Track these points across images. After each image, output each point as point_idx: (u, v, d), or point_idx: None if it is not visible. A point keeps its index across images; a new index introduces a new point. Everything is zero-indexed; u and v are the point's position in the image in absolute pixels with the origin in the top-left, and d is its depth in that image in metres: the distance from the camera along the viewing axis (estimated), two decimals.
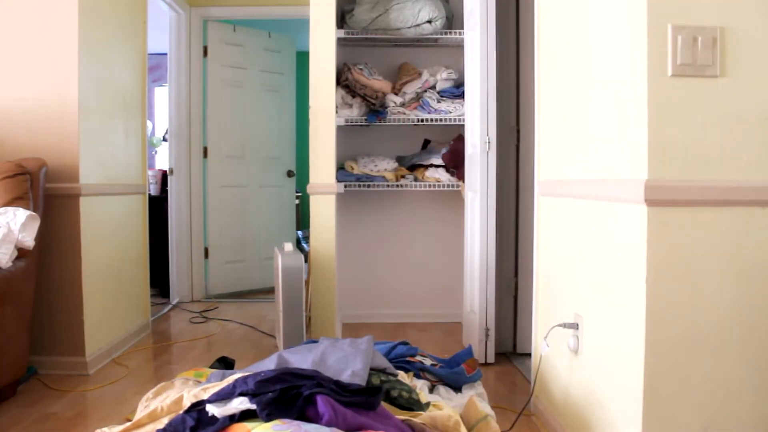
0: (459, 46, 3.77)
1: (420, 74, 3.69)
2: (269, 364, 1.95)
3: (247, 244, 5.03)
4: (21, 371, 2.52)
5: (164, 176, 4.90)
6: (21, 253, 2.47)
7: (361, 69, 3.63)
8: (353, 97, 3.65)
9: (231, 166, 4.90)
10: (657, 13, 1.43)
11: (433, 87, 3.69)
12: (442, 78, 3.66)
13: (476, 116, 3.04)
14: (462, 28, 3.47)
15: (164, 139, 5.42)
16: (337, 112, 3.44)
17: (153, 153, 6.11)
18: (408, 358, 2.33)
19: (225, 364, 2.48)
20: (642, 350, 1.47)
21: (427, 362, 2.39)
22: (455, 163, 3.59)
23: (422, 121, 3.64)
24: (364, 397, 1.46)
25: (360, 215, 3.94)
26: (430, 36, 3.61)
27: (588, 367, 1.84)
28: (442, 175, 3.66)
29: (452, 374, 2.28)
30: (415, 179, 3.72)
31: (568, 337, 1.97)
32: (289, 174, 5.35)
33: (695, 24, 1.43)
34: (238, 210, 4.96)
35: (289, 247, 3.06)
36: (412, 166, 3.78)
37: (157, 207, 4.70)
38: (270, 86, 5.16)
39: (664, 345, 1.46)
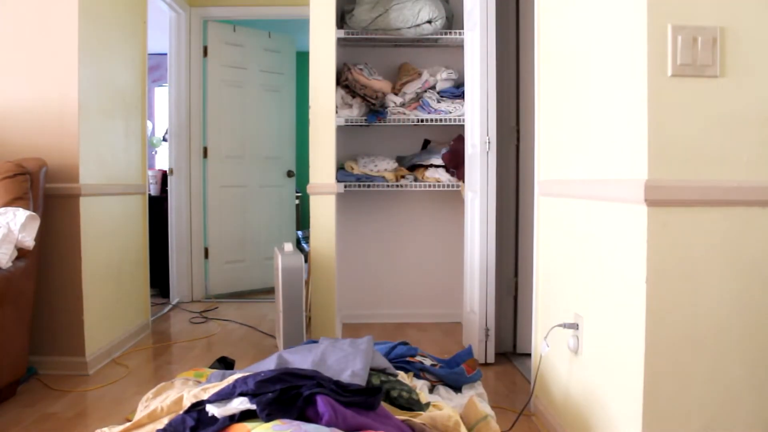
0: (459, 46, 3.77)
1: (420, 74, 3.69)
2: (269, 365, 1.95)
3: (247, 244, 5.03)
4: (21, 371, 2.52)
5: (164, 176, 4.90)
6: (21, 253, 2.47)
7: (361, 69, 3.63)
8: (353, 97, 3.65)
9: (231, 166, 4.90)
10: (657, 13, 1.43)
11: (433, 87, 3.69)
12: (442, 78, 3.66)
13: (476, 116, 3.04)
14: (462, 28, 3.48)
15: (164, 139, 5.42)
16: (337, 112, 3.44)
17: (153, 153, 6.11)
18: (408, 359, 2.33)
19: (225, 364, 2.48)
20: (642, 350, 1.47)
21: (427, 362, 2.39)
22: (455, 163, 3.59)
23: (422, 121, 3.64)
24: (364, 397, 1.46)
25: (360, 215, 3.94)
26: (430, 36, 3.61)
27: (588, 367, 1.84)
28: (442, 175, 3.66)
29: (452, 374, 2.28)
30: (415, 179, 3.72)
31: (568, 337, 1.97)
32: (289, 174, 5.35)
33: (695, 24, 1.43)
34: (238, 210, 4.96)
35: (289, 247, 3.06)
36: (412, 166, 3.78)
37: (157, 207, 4.70)
38: (270, 86, 5.16)
39: (664, 345, 1.46)
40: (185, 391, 1.80)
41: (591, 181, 1.82)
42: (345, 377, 1.74)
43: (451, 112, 3.62)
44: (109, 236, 3.15)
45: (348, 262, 3.90)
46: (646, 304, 1.46)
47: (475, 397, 1.95)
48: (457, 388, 2.24)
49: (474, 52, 3.08)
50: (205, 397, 1.60)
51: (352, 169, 3.68)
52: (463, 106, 3.53)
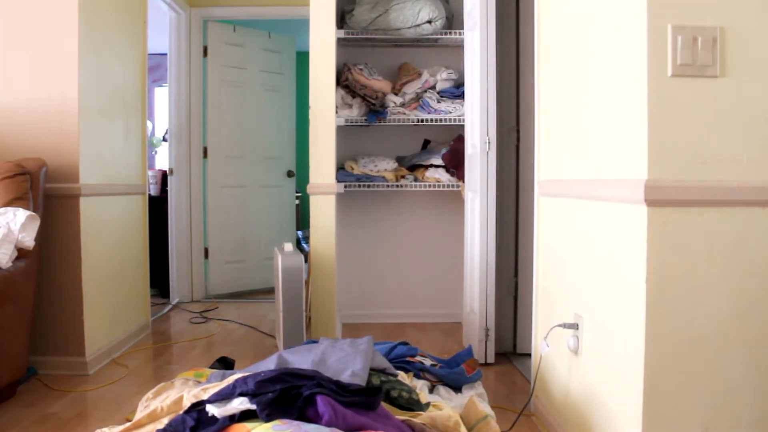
0: (459, 46, 3.77)
1: (420, 74, 3.69)
2: (269, 365, 1.95)
3: (247, 244, 5.03)
4: (21, 371, 2.52)
5: (164, 176, 4.90)
6: (21, 253, 2.47)
7: (361, 69, 3.63)
8: (353, 97, 3.65)
9: (231, 166, 4.90)
10: (657, 13, 1.43)
11: (433, 87, 3.69)
12: (442, 78, 3.66)
13: (476, 116, 3.04)
14: (462, 28, 3.47)
15: (164, 139, 5.42)
16: (337, 112, 3.44)
17: (153, 153, 6.11)
18: (408, 359, 2.33)
19: (225, 364, 2.48)
20: (642, 350, 1.47)
21: (427, 362, 2.39)
22: (455, 163, 3.59)
23: (422, 121, 3.64)
24: (364, 397, 1.46)
25: (360, 215, 3.93)
26: (430, 36, 3.61)
27: (588, 367, 1.84)
28: (442, 175, 3.66)
29: (452, 374, 2.28)
30: (415, 179, 3.72)
31: (568, 337, 1.97)
32: (289, 174, 5.35)
33: (695, 24, 1.43)
34: (238, 210, 4.96)
35: (289, 247, 3.06)
36: (412, 167, 3.78)
37: (157, 207, 4.70)
38: (270, 86, 5.16)
39: (664, 345, 1.46)
40: (185, 391, 1.80)
41: (591, 181, 1.82)
42: (345, 377, 1.74)
43: (451, 112, 3.62)
44: (109, 236, 3.15)
45: (348, 262, 3.90)
46: (646, 304, 1.46)
47: (475, 397, 1.95)
48: (457, 388, 2.24)
49: (474, 52, 3.08)
50: (205, 397, 1.60)
51: (352, 169, 3.68)
52: (463, 106, 3.53)
